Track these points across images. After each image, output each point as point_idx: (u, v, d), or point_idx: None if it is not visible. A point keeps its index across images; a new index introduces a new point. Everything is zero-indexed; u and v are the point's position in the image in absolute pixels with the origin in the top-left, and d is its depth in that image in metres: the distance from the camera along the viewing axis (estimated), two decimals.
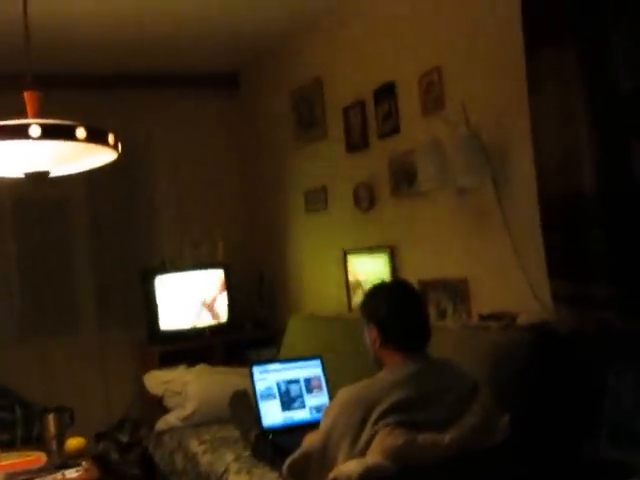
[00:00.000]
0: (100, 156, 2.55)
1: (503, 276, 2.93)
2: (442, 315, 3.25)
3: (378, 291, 2.42)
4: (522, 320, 2.70)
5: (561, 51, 2.35)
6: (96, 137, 2.34)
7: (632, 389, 2.17)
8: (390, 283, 2.64)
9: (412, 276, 3.40)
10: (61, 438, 3.21)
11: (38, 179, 2.47)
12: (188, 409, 3.68)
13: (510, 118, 2.82)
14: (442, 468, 2.05)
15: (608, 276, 2.30)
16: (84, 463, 3.03)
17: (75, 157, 2.49)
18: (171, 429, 3.71)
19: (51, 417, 3.25)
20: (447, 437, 2.06)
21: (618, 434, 2.17)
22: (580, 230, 2.37)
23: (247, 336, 4.89)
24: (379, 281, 2.52)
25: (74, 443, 3.17)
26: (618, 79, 2.18)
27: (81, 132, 2.25)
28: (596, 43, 2.25)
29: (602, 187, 2.27)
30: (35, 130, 2.18)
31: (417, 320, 2.32)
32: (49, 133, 2.23)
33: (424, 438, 2.05)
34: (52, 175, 2.53)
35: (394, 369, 2.24)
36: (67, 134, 2.26)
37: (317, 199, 4.42)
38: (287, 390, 3.10)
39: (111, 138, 2.39)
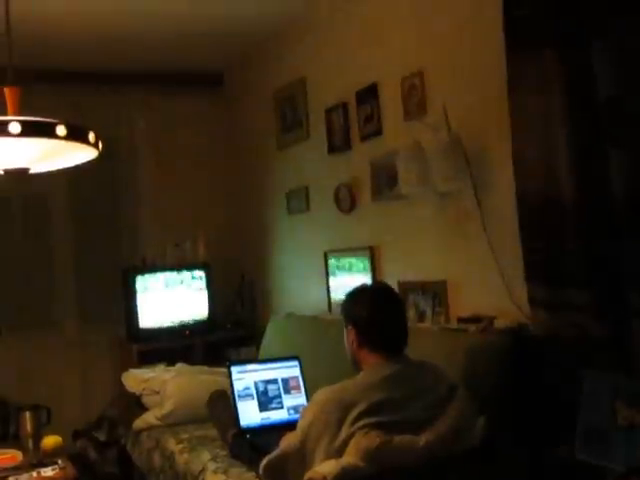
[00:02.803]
0: (81, 154, 2.54)
1: (481, 279, 2.95)
2: (421, 317, 3.26)
3: (359, 293, 2.43)
4: (499, 323, 2.72)
5: (542, 59, 2.37)
6: (77, 135, 2.32)
7: (607, 393, 2.19)
8: (372, 286, 2.66)
9: (392, 278, 3.42)
10: (37, 436, 3.19)
11: (18, 176, 2.46)
12: (166, 408, 3.66)
13: (491, 124, 2.84)
14: (418, 470, 2.06)
15: (585, 281, 2.32)
16: (60, 461, 3.01)
17: (55, 154, 2.47)
18: (149, 428, 3.69)
19: (27, 415, 3.23)
20: (423, 439, 2.08)
21: (593, 438, 2.19)
22: (558, 236, 2.39)
23: (227, 335, 4.89)
24: (361, 283, 2.53)
25: (51, 441, 3.15)
26: (597, 87, 2.20)
27: (61, 130, 2.24)
28: (576, 51, 2.28)
29: (580, 194, 2.29)
30: (15, 127, 2.17)
31: (395, 324, 2.34)
32: (29, 130, 2.21)
33: (400, 440, 2.06)
34: (32, 172, 2.52)
35: (372, 371, 2.26)
36: (47, 132, 2.24)
37: (299, 200, 4.42)
38: (265, 390, 3.10)
39: (92, 136, 2.38)
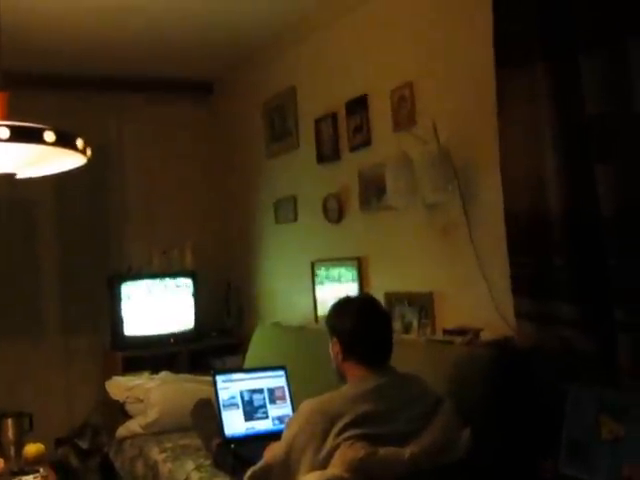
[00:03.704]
0: (69, 160, 2.52)
1: (468, 291, 2.96)
2: (407, 328, 3.27)
3: (344, 305, 2.43)
4: (485, 336, 2.73)
5: (530, 73, 2.39)
6: (65, 141, 2.31)
7: (592, 406, 2.19)
8: (357, 298, 2.65)
9: (379, 289, 3.42)
10: (19, 444, 3.16)
11: (4, 181, 2.45)
12: (150, 416, 3.64)
13: (479, 137, 2.85)
14: None
15: (570, 295, 2.33)
16: (42, 469, 2.99)
17: (43, 160, 2.46)
18: (132, 436, 3.67)
19: (9, 422, 3.20)
20: (408, 451, 2.07)
21: (577, 451, 2.19)
22: (544, 249, 2.40)
23: (213, 344, 4.87)
24: (346, 295, 2.53)
25: (33, 449, 3.12)
26: (585, 103, 2.21)
27: (50, 135, 2.22)
28: (565, 67, 2.29)
29: (566, 208, 2.30)
30: (3, 132, 2.15)
31: (379, 336, 2.33)
32: (17, 135, 2.19)
33: (385, 452, 2.06)
34: (18, 177, 2.50)
35: (357, 383, 2.25)
36: (35, 137, 2.22)
37: (287, 209, 4.42)
38: (250, 400, 3.09)
39: (80, 143, 2.37)
